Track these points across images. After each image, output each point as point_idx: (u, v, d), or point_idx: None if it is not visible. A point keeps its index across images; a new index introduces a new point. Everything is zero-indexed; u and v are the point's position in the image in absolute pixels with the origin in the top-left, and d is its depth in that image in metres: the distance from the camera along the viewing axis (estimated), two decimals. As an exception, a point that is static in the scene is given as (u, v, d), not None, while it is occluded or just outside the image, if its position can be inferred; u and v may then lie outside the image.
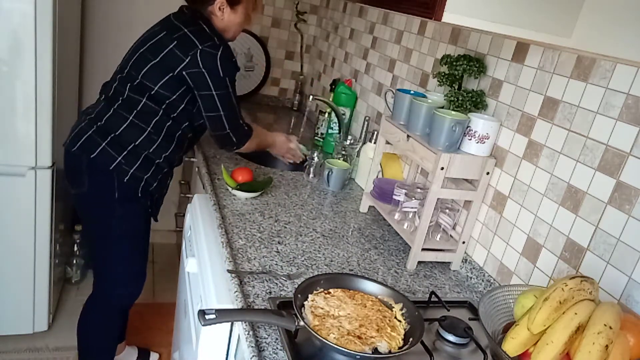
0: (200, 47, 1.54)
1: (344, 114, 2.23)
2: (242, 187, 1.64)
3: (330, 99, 2.26)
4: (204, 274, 1.35)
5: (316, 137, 2.34)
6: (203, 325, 0.95)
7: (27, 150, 1.93)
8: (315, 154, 1.96)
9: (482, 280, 1.38)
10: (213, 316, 0.95)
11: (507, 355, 0.89)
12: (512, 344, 0.90)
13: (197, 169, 2.13)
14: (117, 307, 1.89)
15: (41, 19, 1.79)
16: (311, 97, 2.12)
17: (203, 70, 1.55)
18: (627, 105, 1.03)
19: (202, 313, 0.94)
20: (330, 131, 2.26)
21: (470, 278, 1.43)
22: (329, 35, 2.77)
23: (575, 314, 0.85)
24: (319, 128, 2.32)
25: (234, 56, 1.63)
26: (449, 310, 1.18)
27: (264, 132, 1.88)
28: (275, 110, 2.95)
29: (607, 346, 0.81)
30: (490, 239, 1.39)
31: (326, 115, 2.26)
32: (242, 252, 1.32)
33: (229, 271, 1.21)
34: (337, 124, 2.21)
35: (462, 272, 1.46)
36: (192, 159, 2.22)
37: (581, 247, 1.11)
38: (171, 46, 1.55)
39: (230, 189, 1.64)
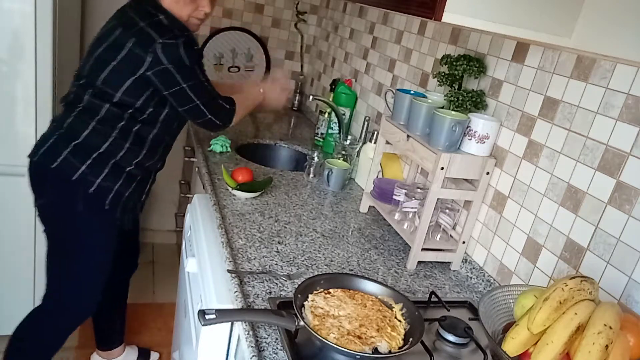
0: (159, 40, 1.41)
1: (344, 114, 2.23)
2: (242, 187, 1.64)
3: (330, 99, 2.26)
4: (204, 274, 1.35)
5: (316, 137, 2.34)
6: (203, 325, 0.95)
7: (27, 150, 1.91)
8: (315, 154, 1.96)
9: (482, 280, 1.38)
10: (213, 316, 0.95)
11: (507, 355, 0.89)
12: (512, 344, 0.90)
13: (197, 169, 2.13)
14: (64, 325, 1.71)
15: (41, 19, 1.80)
16: (311, 97, 2.12)
17: (168, 65, 1.43)
18: (627, 105, 1.03)
19: (202, 313, 0.94)
20: (330, 131, 2.26)
21: (470, 278, 1.43)
22: (329, 35, 2.77)
23: (575, 314, 0.85)
24: (319, 128, 2.32)
25: (198, 44, 1.53)
26: (449, 310, 1.18)
27: (245, 96, 1.75)
28: (275, 110, 2.94)
29: (607, 346, 0.81)
30: (490, 239, 1.39)
31: (326, 115, 2.26)
32: (242, 252, 1.32)
33: (229, 271, 1.21)
34: (337, 124, 2.21)
35: (462, 272, 1.46)
36: (192, 159, 2.22)
37: (581, 247, 1.11)
38: (130, 45, 1.43)
39: (230, 189, 1.64)
